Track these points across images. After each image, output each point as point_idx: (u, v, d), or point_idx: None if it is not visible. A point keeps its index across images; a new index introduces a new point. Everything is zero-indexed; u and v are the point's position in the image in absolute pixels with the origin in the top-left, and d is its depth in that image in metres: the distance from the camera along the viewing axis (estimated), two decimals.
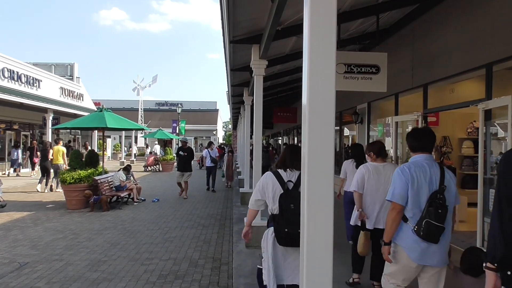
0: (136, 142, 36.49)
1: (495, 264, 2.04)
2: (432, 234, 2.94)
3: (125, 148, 35.50)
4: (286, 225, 3.12)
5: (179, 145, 14.08)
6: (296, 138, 21.88)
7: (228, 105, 34.74)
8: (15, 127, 22.10)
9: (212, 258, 6.12)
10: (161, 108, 53.53)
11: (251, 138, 11.19)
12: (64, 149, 13.79)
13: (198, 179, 17.03)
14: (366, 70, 6.75)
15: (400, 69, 7.99)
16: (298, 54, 9.06)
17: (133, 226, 8.36)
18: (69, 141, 26.29)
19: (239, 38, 6.85)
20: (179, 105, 35.30)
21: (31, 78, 21.38)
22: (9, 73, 19.34)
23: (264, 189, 3.34)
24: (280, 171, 3.37)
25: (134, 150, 34.50)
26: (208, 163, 14.82)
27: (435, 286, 3.10)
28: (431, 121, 7.58)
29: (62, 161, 13.33)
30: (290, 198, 3.16)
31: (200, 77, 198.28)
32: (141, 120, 37.06)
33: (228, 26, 5.96)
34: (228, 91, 14.16)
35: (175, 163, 16.90)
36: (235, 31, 6.43)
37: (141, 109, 38.46)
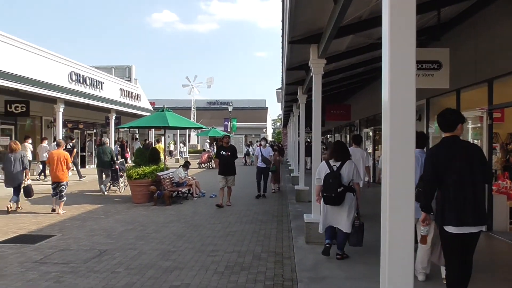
0: (189, 140, 37.65)
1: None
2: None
3: (180, 146, 36.71)
4: (325, 191, 5.56)
5: (218, 143, 12.60)
6: (348, 136, 21.68)
7: (279, 103, 34.93)
8: (81, 126, 23.61)
9: (274, 252, 6.36)
10: (212, 107, 54.83)
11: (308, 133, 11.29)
12: (163, 147, 14.86)
13: (245, 176, 17.21)
14: (427, 67, 6.68)
15: (462, 64, 7.79)
16: (354, 52, 9.09)
17: (195, 220, 8.79)
18: (145, 140, 27.69)
19: (297, 39, 7.02)
20: (230, 104, 36.01)
21: (95, 80, 22.72)
22: (76, 76, 20.68)
23: (319, 171, 5.83)
24: (330, 160, 5.74)
25: (181, 148, 35.46)
26: (259, 163, 12.42)
27: None
28: (496, 117, 7.34)
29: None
30: (331, 176, 5.54)
31: (248, 75, 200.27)
32: (194, 119, 38.21)
33: (288, 27, 6.16)
34: (282, 89, 14.37)
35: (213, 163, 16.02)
36: (294, 31, 6.62)
37: (194, 108, 39.63)
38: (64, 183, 9.66)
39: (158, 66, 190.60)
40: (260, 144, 13.73)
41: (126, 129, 27.62)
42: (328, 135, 31.69)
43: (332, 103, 19.17)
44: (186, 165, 12.76)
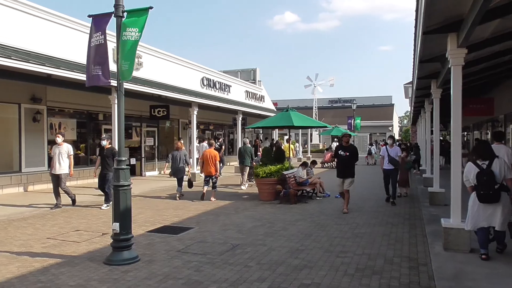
0: (311, 139, 37.78)
1: None
2: None
3: (300, 145, 37.07)
4: (481, 189, 5.49)
5: (338, 142, 11.73)
6: (489, 133, 19.31)
7: (407, 99, 32.73)
8: (211, 127, 25.45)
9: (408, 257, 5.96)
10: (334, 105, 54.14)
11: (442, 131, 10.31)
12: (293, 146, 15.64)
13: (370, 176, 16.52)
14: None
15: None
16: (500, 38, 8.03)
17: (321, 220, 8.74)
18: (272, 139, 28.91)
19: (433, 28, 6.46)
20: (353, 102, 35.09)
21: (223, 84, 24.25)
22: (207, 81, 22.34)
23: (467, 172, 5.73)
24: (477, 160, 5.67)
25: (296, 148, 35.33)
26: (385, 164, 11.11)
27: None
28: None
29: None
30: (484, 174, 5.49)
31: (372, 71, 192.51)
32: (315, 118, 38.21)
33: (423, 16, 5.70)
34: (412, 84, 13.44)
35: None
36: (430, 21, 6.10)
37: (315, 107, 39.62)
38: (215, 176, 11.53)
39: (280, 67, 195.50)
40: (386, 143, 12.72)
41: (251, 129, 28.94)
42: (465, 133, 28.75)
43: (470, 96, 17.31)
44: (306, 164, 12.79)
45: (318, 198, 11.93)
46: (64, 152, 10.03)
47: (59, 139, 10.07)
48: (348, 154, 9.73)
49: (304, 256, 6.01)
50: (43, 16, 12.68)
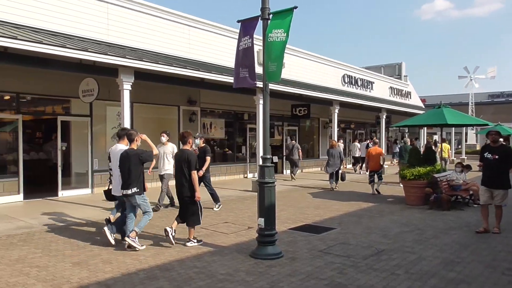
0: (465, 139, 33.95)
1: None
2: None
3: (453, 145, 33.61)
4: None
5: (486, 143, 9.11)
6: None
7: None
8: (352, 126, 24.82)
9: None
10: (494, 100, 47.63)
11: None
12: (449, 146, 15.02)
13: None
14: None
15: None
16: None
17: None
18: (428, 140, 27.34)
19: None
20: None
21: (365, 81, 23.44)
22: (348, 78, 21.87)
23: None
24: None
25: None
26: None
27: None
28: None
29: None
30: None
31: None
32: (472, 115, 34.18)
33: None
34: None
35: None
36: None
37: (472, 103, 35.46)
38: (380, 170, 12.71)
39: (428, 60, 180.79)
40: None
41: (395, 128, 27.33)
42: None
43: None
44: (467, 167, 11.44)
45: (475, 206, 10.57)
46: (169, 152, 9.47)
47: (164, 138, 9.47)
48: (497, 157, 7.52)
49: (461, 270, 5.35)
50: (192, 24, 14.11)
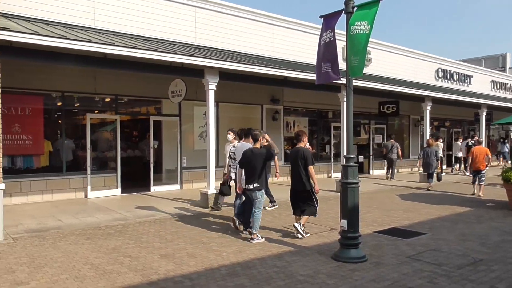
0: None
1: None
2: None
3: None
4: None
5: None
6: None
7: None
8: (447, 124, 23.02)
9: None
10: None
11: None
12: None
13: None
14: None
15: None
16: None
17: None
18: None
19: None
20: None
21: (462, 75, 21.65)
22: (442, 73, 20.37)
23: None
24: None
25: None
26: None
27: None
28: None
29: None
30: None
31: None
32: None
33: None
34: None
35: None
36: None
37: None
38: (483, 171, 12.00)
39: None
40: None
41: (496, 125, 24.82)
42: None
43: None
44: None
45: None
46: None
47: (230, 136, 8.98)
48: None
49: None
50: (276, 23, 14.15)
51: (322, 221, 8.25)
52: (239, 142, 8.30)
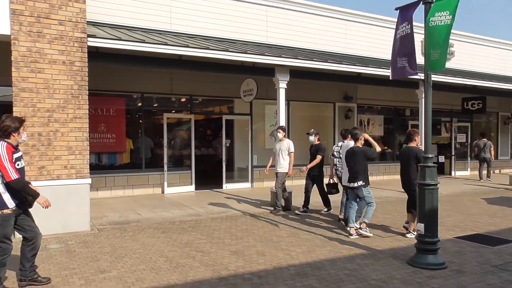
0: None
1: None
2: None
3: None
4: None
5: None
6: None
7: None
8: None
9: None
10: None
11: None
12: None
13: None
14: None
15: None
16: None
17: None
18: None
19: None
20: None
21: None
22: None
23: None
24: None
25: None
26: None
27: None
28: None
29: None
30: None
31: None
32: None
33: None
34: None
35: None
36: None
37: None
38: None
39: None
40: None
41: None
42: None
43: None
44: None
45: None
46: (285, 149, 8.88)
47: (280, 134, 8.98)
48: None
49: None
50: (349, 18, 13.72)
51: (398, 223, 7.84)
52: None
